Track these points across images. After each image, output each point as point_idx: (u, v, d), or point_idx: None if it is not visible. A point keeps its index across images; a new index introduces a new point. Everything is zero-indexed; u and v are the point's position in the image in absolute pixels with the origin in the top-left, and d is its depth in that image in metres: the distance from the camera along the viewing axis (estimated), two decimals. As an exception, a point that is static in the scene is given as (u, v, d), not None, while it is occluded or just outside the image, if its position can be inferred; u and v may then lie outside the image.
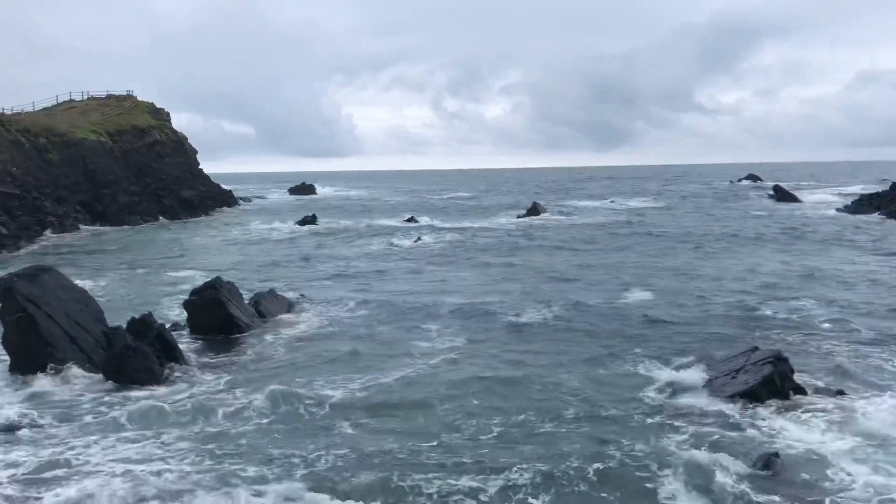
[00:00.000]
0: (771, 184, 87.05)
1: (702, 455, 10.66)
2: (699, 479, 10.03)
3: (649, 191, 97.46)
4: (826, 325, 18.62)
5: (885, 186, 58.07)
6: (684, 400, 13.41)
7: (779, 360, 13.52)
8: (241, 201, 75.08)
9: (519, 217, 55.38)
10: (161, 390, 14.18)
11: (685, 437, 11.62)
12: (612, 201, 74.86)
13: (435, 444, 11.43)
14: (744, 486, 9.77)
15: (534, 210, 57.26)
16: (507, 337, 18.24)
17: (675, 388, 14.02)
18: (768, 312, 20.15)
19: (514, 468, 10.44)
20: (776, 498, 9.53)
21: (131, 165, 58.87)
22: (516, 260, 31.99)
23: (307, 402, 13.33)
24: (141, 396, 13.64)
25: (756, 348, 14.99)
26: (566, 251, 34.76)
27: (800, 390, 13.23)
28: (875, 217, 47.54)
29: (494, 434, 11.87)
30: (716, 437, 11.53)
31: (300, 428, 12.27)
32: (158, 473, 10.26)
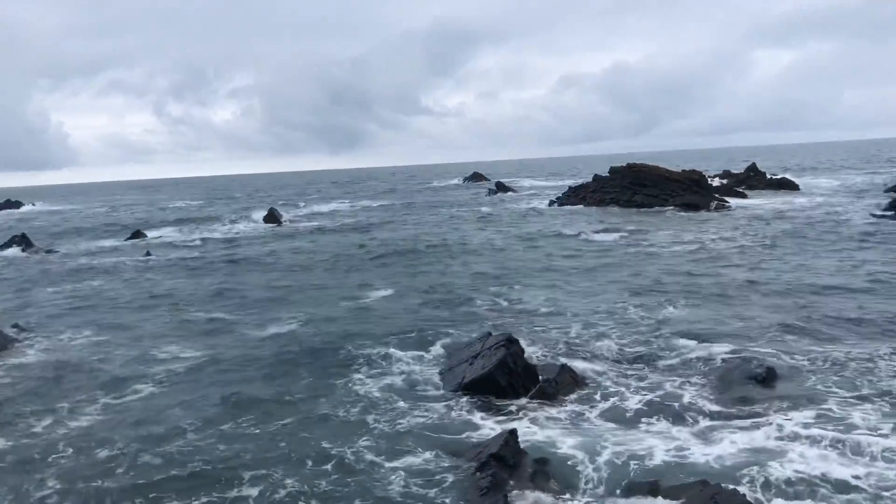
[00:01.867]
0: (494, 180, 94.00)
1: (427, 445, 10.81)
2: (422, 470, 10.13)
3: (380, 191, 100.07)
4: (543, 310, 20.12)
5: (589, 179, 65.14)
6: (422, 389, 13.69)
7: (510, 343, 14.26)
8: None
9: (253, 224, 53.65)
10: None
11: (421, 420, 11.78)
12: (350, 203, 75.66)
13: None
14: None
15: (271, 217, 55.90)
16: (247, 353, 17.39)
17: (415, 377, 14.32)
18: (488, 300, 21.39)
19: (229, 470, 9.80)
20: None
21: None
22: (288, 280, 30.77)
23: None
24: None
25: (489, 333, 15.72)
26: (323, 258, 34.22)
27: (531, 369, 14.05)
28: (580, 207, 53.23)
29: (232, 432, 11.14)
30: (441, 423, 11.81)
31: None
32: None
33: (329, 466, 10.57)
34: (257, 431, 12.01)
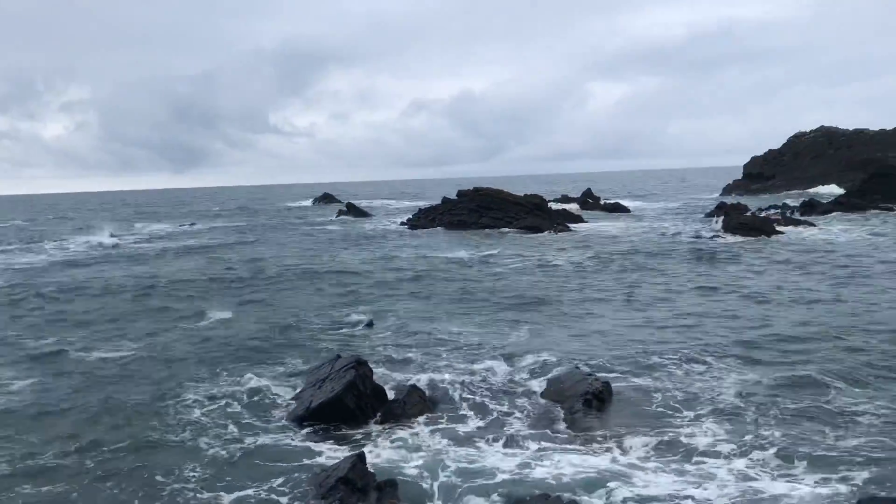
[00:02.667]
0: (345, 201, 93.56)
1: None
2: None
3: (228, 211, 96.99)
4: (395, 331, 20.29)
5: (438, 201, 66.49)
6: (267, 415, 13.39)
7: (359, 364, 14.26)
8: None
9: (85, 244, 50.30)
10: None
11: (257, 442, 11.54)
12: (192, 224, 72.65)
13: None
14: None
15: (104, 236, 52.63)
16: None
17: (261, 402, 14.00)
18: (339, 323, 21.32)
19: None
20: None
21: None
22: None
23: None
24: None
25: (339, 356, 15.62)
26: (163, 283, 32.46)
27: (379, 391, 14.09)
28: (430, 229, 54.19)
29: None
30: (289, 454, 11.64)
31: None
32: None
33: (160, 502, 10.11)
34: (81, 460, 11.30)
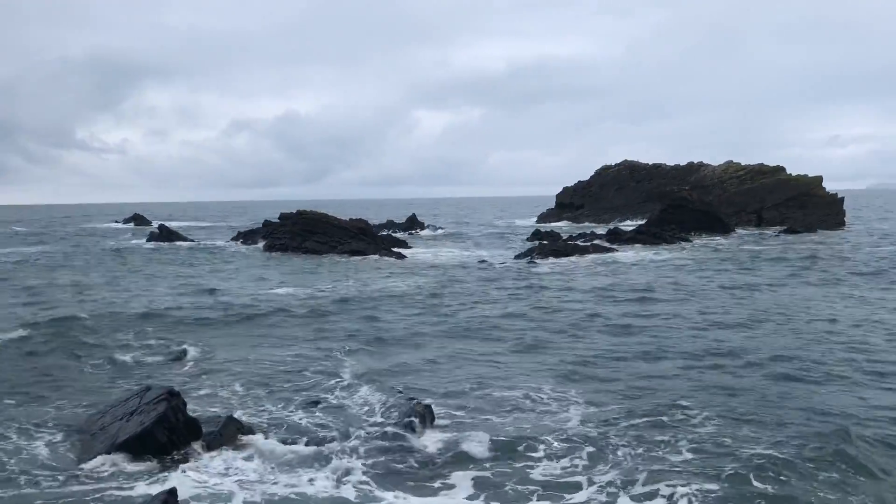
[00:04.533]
0: (157, 223, 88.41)
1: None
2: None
3: (25, 232, 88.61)
4: (212, 360, 19.34)
5: (259, 224, 64.83)
6: (61, 455, 12.22)
7: (172, 396, 13.40)
8: None
9: None
10: None
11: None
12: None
13: None
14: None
15: None
16: None
17: (53, 441, 12.73)
18: (149, 351, 20.02)
19: None
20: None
21: None
22: None
23: None
24: None
25: (149, 388, 14.60)
26: None
27: (193, 423, 13.31)
28: (253, 252, 52.63)
29: None
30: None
31: None
32: None
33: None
34: None
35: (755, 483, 10.56)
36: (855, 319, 22.96)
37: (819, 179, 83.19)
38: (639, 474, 11.04)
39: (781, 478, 10.70)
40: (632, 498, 10.38)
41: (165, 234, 69.59)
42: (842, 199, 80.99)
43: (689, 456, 11.76)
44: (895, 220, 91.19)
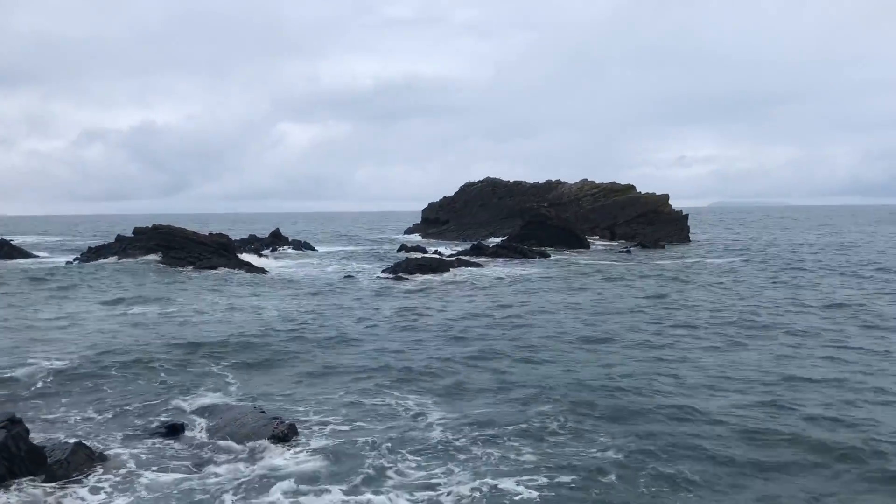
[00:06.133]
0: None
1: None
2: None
3: None
4: (44, 381, 18.29)
5: (112, 238, 61.63)
6: None
7: (13, 423, 12.61)
8: None
9: None
10: None
11: None
12: None
13: None
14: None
15: None
16: None
17: None
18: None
19: None
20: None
21: None
22: None
23: None
24: None
25: (-14, 415, 13.65)
26: None
27: (37, 452, 12.59)
28: (111, 260, 50.08)
29: None
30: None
31: None
32: None
33: None
34: None
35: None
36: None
37: (666, 197, 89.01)
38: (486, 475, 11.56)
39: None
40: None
41: (6, 249, 64.03)
42: (686, 216, 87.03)
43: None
44: (730, 233, 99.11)
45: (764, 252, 64.20)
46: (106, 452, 13.16)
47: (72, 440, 13.33)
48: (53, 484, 11.72)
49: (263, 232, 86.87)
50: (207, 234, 55.32)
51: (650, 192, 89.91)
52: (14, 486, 11.50)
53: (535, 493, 11.15)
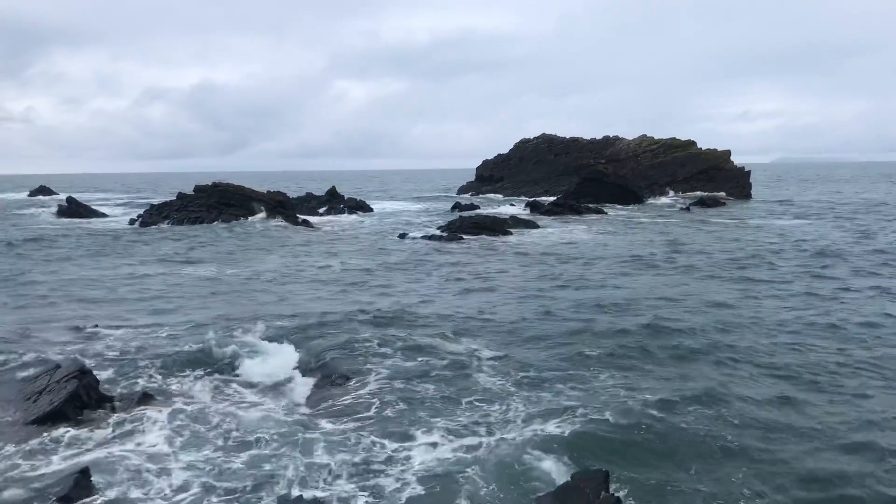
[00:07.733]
0: (64, 195, 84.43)
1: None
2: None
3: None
4: (122, 337, 18.95)
5: (173, 196, 62.74)
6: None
7: (83, 374, 13.17)
8: None
9: None
10: None
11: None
12: None
13: None
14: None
15: None
16: None
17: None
18: (57, 328, 19.47)
19: None
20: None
21: None
22: None
23: None
24: None
25: (58, 366, 14.28)
26: None
27: (107, 399, 13.13)
28: (165, 226, 50.79)
29: None
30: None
31: None
32: None
33: None
34: None
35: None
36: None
37: (727, 153, 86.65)
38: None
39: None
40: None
41: (74, 206, 66.19)
42: (748, 173, 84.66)
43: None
44: (794, 192, 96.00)
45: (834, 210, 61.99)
46: (171, 404, 13.61)
47: (139, 390, 13.84)
48: (121, 432, 12.19)
49: (320, 190, 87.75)
50: (265, 191, 56.22)
51: (711, 147, 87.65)
52: (85, 427, 12.02)
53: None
